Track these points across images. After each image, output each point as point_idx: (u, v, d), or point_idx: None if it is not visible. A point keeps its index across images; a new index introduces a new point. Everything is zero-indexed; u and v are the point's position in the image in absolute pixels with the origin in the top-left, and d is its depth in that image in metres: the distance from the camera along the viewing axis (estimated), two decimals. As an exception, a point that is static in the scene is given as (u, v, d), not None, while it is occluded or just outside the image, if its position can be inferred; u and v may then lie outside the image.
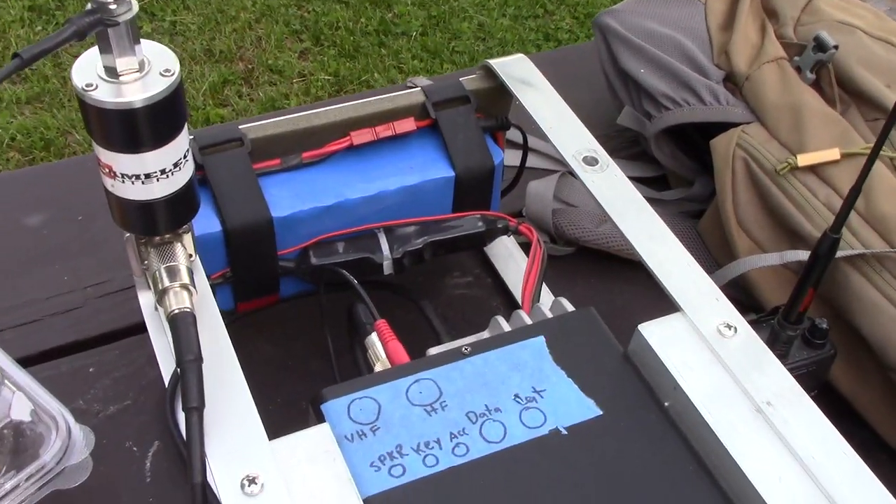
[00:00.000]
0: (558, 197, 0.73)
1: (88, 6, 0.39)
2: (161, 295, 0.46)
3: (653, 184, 0.79)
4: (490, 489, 0.44)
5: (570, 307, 0.53)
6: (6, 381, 0.53)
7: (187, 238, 0.49)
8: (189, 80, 1.86)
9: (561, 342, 0.50)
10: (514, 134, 0.68)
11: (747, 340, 0.49)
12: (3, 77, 0.35)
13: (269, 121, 0.59)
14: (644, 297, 0.54)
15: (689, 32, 0.75)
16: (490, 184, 0.63)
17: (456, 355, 0.49)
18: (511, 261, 0.70)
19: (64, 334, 0.65)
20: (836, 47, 0.67)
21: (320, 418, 0.46)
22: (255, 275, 0.59)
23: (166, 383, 0.56)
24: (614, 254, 0.71)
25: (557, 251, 0.72)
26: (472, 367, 0.49)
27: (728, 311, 0.50)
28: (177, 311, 0.45)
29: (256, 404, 0.45)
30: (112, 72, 0.41)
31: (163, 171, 0.44)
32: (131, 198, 0.45)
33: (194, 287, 0.47)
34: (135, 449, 0.59)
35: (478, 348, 0.50)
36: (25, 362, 0.55)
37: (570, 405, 0.47)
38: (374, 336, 0.53)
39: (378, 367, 0.51)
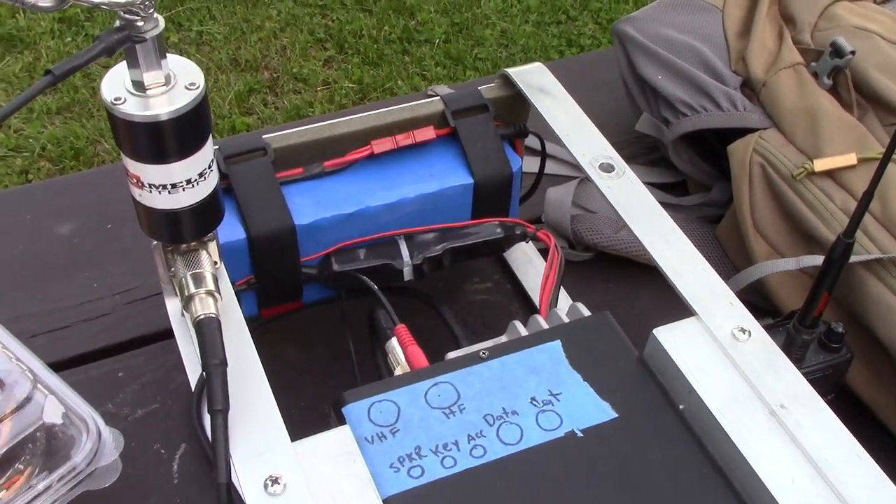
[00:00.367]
0: (577, 203, 0.74)
1: (117, 23, 0.41)
2: (187, 301, 0.48)
3: (672, 189, 0.80)
4: (507, 490, 0.45)
5: (586, 312, 0.54)
6: (38, 385, 0.55)
7: (212, 246, 0.50)
8: (215, 88, 1.88)
9: (577, 346, 0.51)
10: (534, 141, 0.69)
11: (761, 344, 0.50)
12: (36, 93, 0.37)
13: (291, 130, 0.61)
14: (662, 302, 0.55)
15: (706, 39, 0.75)
16: (508, 191, 0.64)
17: (474, 359, 0.50)
18: (530, 266, 0.71)
19: (94, 340, 0.67)
20: (853, 53, 0.68)
21: (341, 420, 0.47)
22: (278, 281, 0.60)
23: (193, 387, 0.58)
24: (633, 259, 0.72)
25: (576, 257, 0.73)
26: (490, 371, 0.50)
27: (742, 315, 0.51)
28: (202, 317, 0.47)
29: (281, 407, 0.47)
30: (139, 86, 0.43)
31: (188, 181, 0.46)
32: (158, 207, 0.46)
33: (219, 293, 0.49)
34: (162, 451, 0.61)
35: (495, 352, 0.51)
36: (57, 367, 0.57)
37: (585, 408, 0.48)
38: (394, 341, 0.54)
39: (398, 371, 0.53)
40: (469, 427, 0.47)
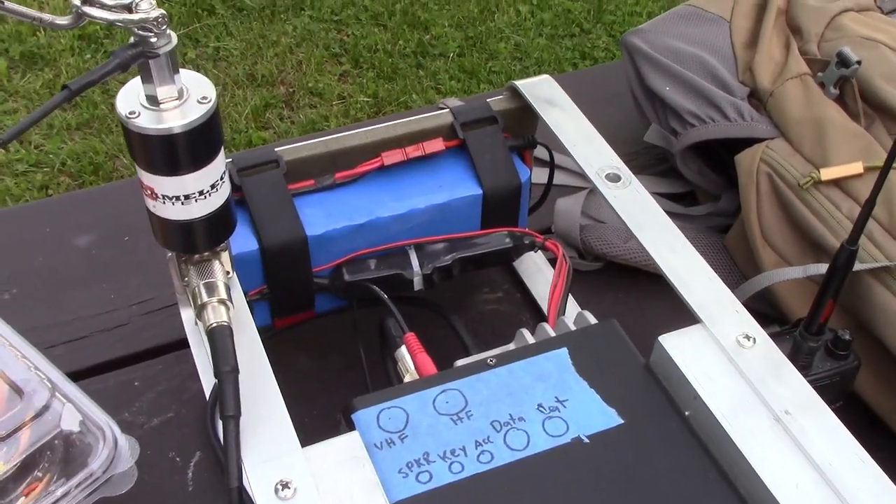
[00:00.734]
0: (586, 213, 0.75)
1: (131, 40, 0.42)
2: (200, 309, 0.49)
3: (681, 200, 0.81)
4: (514, 495, 0.45)
5: (593, 320, 0.55)
6: (57, 394, 0.56)
7: (225, 256, 0.52)
8: (232, 103, 1.91)
9: (584, 353, 0.52)
10: (543, 152, 0.70)
11: (766, 351, 0.50)
12: (53, 107, 0.38)
13: (303, 143, 0.62)
14: (671, 312, 0.55)
15: (713, 50, 0.76)
16: (517, 201, 0.65)
17: (481, 366, 0.51)
18: (540, 276, 0.72)
19: (111, 350, 0.68)
20: (859, 62, 0.68)
21: (351, 427, 0.48)
22: (290, 291, 0.61)
23: (207, 396, 0.59)
24: (641, 269, 0.72)
25: (585, 266, 0.74)
26: (497, 378, 0.50)
27: (747, 323, 0.52)
28: (214, 325, 0.48)
29: (294, 415, 0.47)
30: (153, 100, 0.44)
31: (201, 193, 0.47)
32: (172, 218, 0.47)
33: (231, 302, 0.50)
34: (177, 459, 0.62)
35: (503, 360, 0.51)
36: (74, 376, 0.58)
37: (592, 414, 0.49)
38: (403, 349, 0.55)
39: (407, 379, 0.53)
40: (476, 433, 0.48)
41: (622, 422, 0.49)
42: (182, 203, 0.47)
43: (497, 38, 2.12)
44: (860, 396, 0.64)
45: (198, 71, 0.47)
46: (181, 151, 0.45)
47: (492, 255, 0.64)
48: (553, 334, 0.54)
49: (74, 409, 0.56)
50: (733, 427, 0.47)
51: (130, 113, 0.44)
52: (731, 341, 0.51)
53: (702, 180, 0.77)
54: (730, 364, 0.50)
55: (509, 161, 0.65)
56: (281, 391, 0.48)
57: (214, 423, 0.60)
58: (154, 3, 0.42)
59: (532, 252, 0.71)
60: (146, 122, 0.44)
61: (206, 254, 0.51)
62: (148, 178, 0.46)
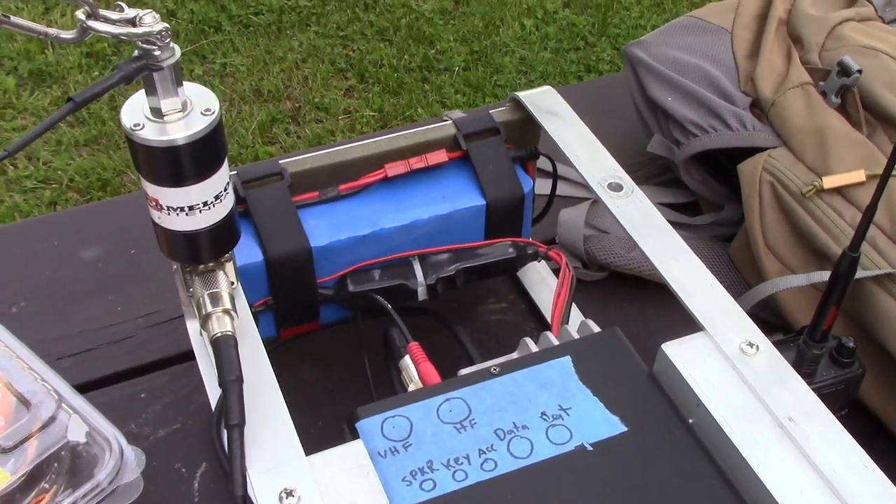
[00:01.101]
0: (590, 223, 0.75)
1: (135, 53, 0.43)
2: (204, 320, 0.49)
3: (685, 209, 0.81)
4: (518, 503, 0.46)
5: (596, 328, 0.55)
6: (63, 405, 0.56)
7: (229, 266, 0.52)
8: (239, 119, 1.92)
9: (587, 362, 0.52)
10: (547, 163, 0.70)
11: (769, 358, 0.50)
12: (58, 119, 0.39)
13: (307, 155, 0.62)
14: (675, 321, 0.55)
15: (715, 61, 0.76)
16: (520, 211, 0.66)
17: (485, 375, 0.51)
18: (544, 286, 0.72)
19: (117, 362, 0.69)
20: (859, 71, 0.69)
21: (355, 435, 0.48)
22: (295, 302, 0.62)
23: (213, 408, 0.59)
24: (646, 278, 0.73)
25: (590, 276, 0.74)
26: (501, 387, 0.51)
27: (750, 330, 0.52)
28: (219, 335, 0.48)
29: (299, 425, 0.48)
30: (157, 112, 0.45)
31: (205, 204, 0.47)
32: (176, 229, 0.48)
33: (236, 312, 0.50)
34: (183, 470, 0.62)
35: (506, 368, 0.52)
36: (81, 388, 0.59)
37: (595, 422, 0.49)
38: (407, 358, 0.55)
39: (411, 388, 0.54)
40: (480, 441, 0.48)
41: (626, 429, 0.49)
42: (186, 214, 0.47)
43: (502, 52, 2.13)
44: (865, 404, 0.63)
45: (205, 87, 0.47)
46: (185, 163, 0.45)
47: (495, 265, 0.64)
48: (556, 343, 0.54)
49: (81, 421, 0.56)
50: (737, 434, 0.47)
51: (135, 125, 0.44)
52: (734, 349, 0.51)
53: (705, 190, 0.77)
54: (733, 371, 0.50)
55: (512, 172, 0.65)
56: (285, 401, 0.49)
57: (221, 435, 0.60)
58: (158, 17, 0.42)
59: (536, 262, 0.71)
60: (150, 134, 0.44)
61: (211, 264, 0.51)
62: (153, 190, 0.46)
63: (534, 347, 0.54)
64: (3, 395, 0.57)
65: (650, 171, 0.85)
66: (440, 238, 0.64)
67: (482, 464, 0.47)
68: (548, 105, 0.66)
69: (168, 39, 0.42)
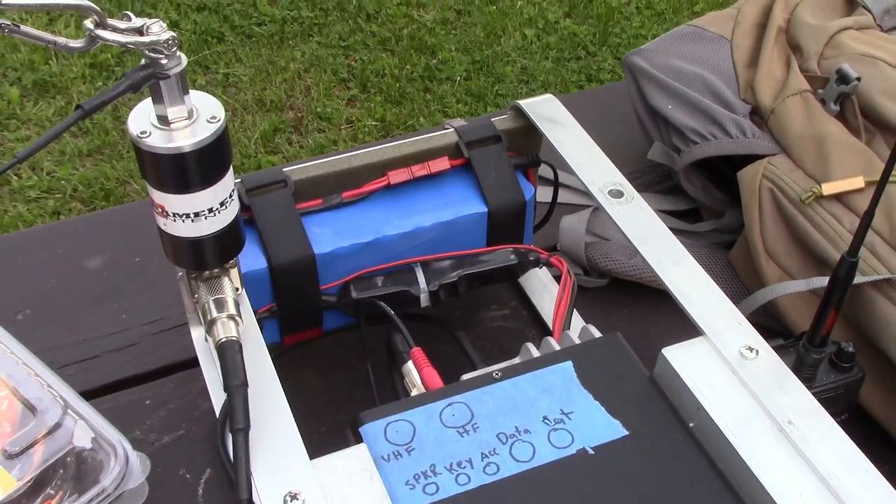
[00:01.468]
0: (591, 231, 0.75)
1: (142, 61, 0.43)
2: (210, 325, 0.50)
3: (686, 217, 0.81)
4: (520, 506, 0.46)
5: (597, 333, 0.55)
6: (69, 411, 0.57)
7: (234, 272, 0.52)
8: (242, 129, 1.93)
9: (588, 366, 0.52)
10: (549, 172, 0.70)
11: (769, 362, 0.51)
12: (67, 126, 0.39)
13: (310, 163, 0.63)
14: (676, 327, 0.56)
15: (715, 69, 0.77)
16: (522, 218, 0.66)
17: (487, 380, 0.52)
18: (546, 293, 0.73)
19: (122, 369, 0.69)
20: (858, 79, 0.69)
21: (359, 440, 0.49)
22: (299, 309, 0.62)
23: (217, 414, 0.60)
24: (647, 285, 0.73)
25: (591, 283, 0.75)
26: (503, 391, 0.51)
27: (750, 335, 0.52)
28: (224, 340, 0.48)
29: (303, 431, 0.48)
30: (164, 120, 0.45)
31: (210, 210, 0.48)
32: (182, 235, 0.48)
33: (240, 317, 0.51)
34: (188, 476, 0.62)
35: (508, 373, 0.52)
36: (87, 395, 0.59)
37: (596, 426, 0.49)
38: (410, 363, 0.55)
39: (414, 393, 0.54)
40: (483, 445, 0.48)
41: (627, 433, 0.49)
42: (192, 220, 0.48)
43: (504, 62, 2.14)
44: (865, 409, 0.64)
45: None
46: (191, 170, 0.46)
47: (497, 272, 0.65)
48: (558, 348, 0.55)
49: (87, 427, 0.57)
50: (737, 437, 0.48)
51: (142, 133, 0.45)
52: (734, 353, 0.51)
53: (705, 197, 0.78)
54: (733, 375, 0.50)
55: (514, 179, 0.66)
56: (290, 407, 0.49)
57: (225, 441, 0.61)
58: (164, 26, 0.43)
59: (538, 269, 0.72)
60: (157, 141, 0.45)
61: (216, 270, 0.52)
62: (159, 196, 0.47)
63: (535, 353, 0.55)
64: (9, 402, 0.58)
65: (651, 179, 0.85)
66: (442, 245, 0.64)
67: (485, 467, 0.47)
68: (549, 113, 0.67)
69: (175, 48, 0.43)
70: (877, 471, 0.46)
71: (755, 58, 0.77)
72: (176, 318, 0.72)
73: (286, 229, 0.60)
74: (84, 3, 0.40)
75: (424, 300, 0.63)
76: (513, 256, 0.65)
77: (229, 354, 0.48)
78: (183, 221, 0.48)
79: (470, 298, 0.73)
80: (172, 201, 0.47)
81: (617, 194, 0.61)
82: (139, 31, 0.42)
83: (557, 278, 0.73)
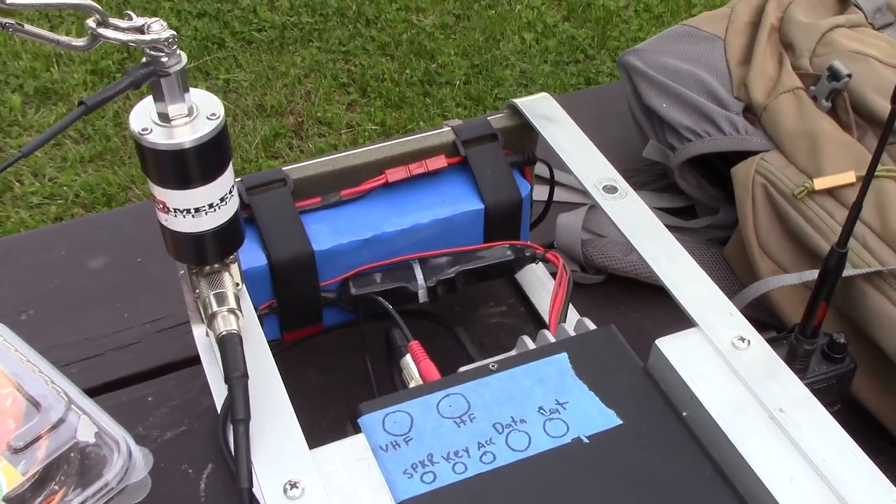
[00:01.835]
0: (587, 228, 0.76)
1: (143, 59, 0.44)
2: (210, 319, 0.51)
3: (681, 214, 0.82)
4: (515, 494, 0.47)
5: (592, 326, 0.56)
6: (72, 407, 0.58)
7: (234, 268, 0.53)
8: (242, 134, 1.94)
9: (583, 358, 0.53)
10: (546, 171, 0.71)
11: (760, 352, 0.52)
12: (70, 122, 0.40)
13: (309, 162, 0.64)
14: (671, 321, 0.56)
15: (709, 68, 0.78)
16: (518, 215, 0.67)
17: (484, 371, 0.52)
18: (543, 290, 0.74)
19: (125, 367, 0.70)
20: (849, 76, 0.70)
21: (357, 430, 0.49)
22: (299, 305, 0.63)
23: (219, 410, 0.61)
24: (643, 281, 0.74)
25: (587, 280, 0.75)
26: (499, 383, 0.52)
27: (742, 325, 0.53)
28: (224, 333, 0.49)
29: (303, 426, 0.49)
30: (164, 117, 0.46)
31: (211, 206, 0.49)
32: (183, 230, 0.49)
33: (240, 311, 0.51)
34: (190, 471, 0.63)
35: (504, 365, 0.53)
36: (90, 393, 0.60)
37: (591, 416, 0.50)
38: (408, 357, 0.56)
39: (412, 385, 0.55)
40: (479, 435, 0.49)
41: (621, 422, 0.50)
42: (192, 216, 0.49)
43: (503, 66, 2.16)
44: (859, 401, 0.65)
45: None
46: (191, 166, 0.47)
47: (494, 268, 0.66)
48: (553, 340, 0.55)
49: (90, 421, 0.57)
50: (729, 426, 0.49)
51: (143, 129, 0.46)
52: (726, 343, 0.52)
53: (700, 194, 0.79)
54: (725, 365, 0.51)
55: (510, 176, 0.66)
56: (290, 402, 0.50)
57: (226, 437, 0.61)
58: (165, 24, 0.44)
59: (536, 266, 0.73)
60: (158, 138, 0.46)
61: (217, 266, 0.52)
62: (160, 192, 0.48)
63: (531, 345, 0.56)
64: (13, 399, 0.59)
65: (647, 177, 0.86)
66: (440, 241, 0.65)
67: (481, 456, 0.48)
68: (544, 111, 0.67)
69: (175, 46, 0.44)
70: (866, 457, 0.47)
71: (748, 56, 0.78)
72: (177, 316, 0.73)
73: (286, 227, 0.61)
74: (86, 3, 0.41)
75: (422, 296, 0.64)
76: (509, 252, 0.66)
77: (230, 347, 0.49)
78: (184, 217, 0.49)
79: (468, 295, 0.74)
80: (173, 197, 0.48)
81: (611, 190, 0.62)
82: (140, 30, 0.43)
83: (555, 275, 0.74)
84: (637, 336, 0.57)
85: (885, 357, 0.62)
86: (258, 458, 0.46)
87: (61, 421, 0.57)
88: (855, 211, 0.51)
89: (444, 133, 0.67)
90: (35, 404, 0.58)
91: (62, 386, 0.59)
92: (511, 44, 2.21)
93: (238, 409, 0.46)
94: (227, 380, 0.48)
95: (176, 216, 0.49)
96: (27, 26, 0.40)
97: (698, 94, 0.76)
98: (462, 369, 0.54)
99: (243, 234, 0.53)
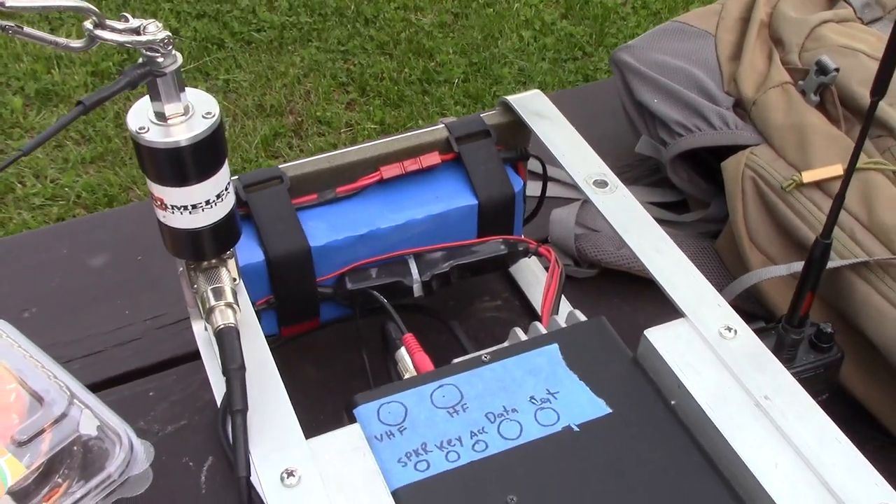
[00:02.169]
0: (580, 223, 0.77)
1: (139, 60, 0.46)
2: (208, 313, 0.52)
3: (674, 208, 0.83)
4: (507, 481, 0.48)
5: (583, 318, 0.57)
6: (75, 401, 0.59)
7: (231, 263, 0.55)
8: (242, 134, 1.95)
9: (574, 349, 0.54)
10: (539, 166, 0.72)
11: (747, 341, 0.53)
12: (69, 121, 0.41)
13: (305, 160, 0.65)
14: (663, 313, 0.57)
15: (700, 63, 0.79)
16: (511, 210, 0.68)
17: (476, 363, 0.54)
18: (537, 284, 0.75)
19: (126, 363, 0.71)
20: (836, 70, 0.71)
21: (353, 421, 0.51)
22: (296, 300, 0.64)
23: (218, 404, 0.62)
24: (635, 274, 0.75)
25: (581, 273, 0.77)
26: (492, 373, 0.53)
27: (729, 315, 0.54)
28: (222, 326, 0.51)
29: (301, 420, 0.50)
30: (161, 116, 0.47)
31: (207, 202, 0.50)
32: (180, 226, 0.51)
33: (238, 305, 0.53)
34: (191, 464, 0.64)
35: (496, 356, 0.54)
36: (92, 388, 0.61)
37: (581, 405, 0.51)
38: (402, 349, 0.57)
39: (407, 377, 0.56)
40: (472, 424, 0.50)
41: (610, 411, 0.51)
42: (190, 212, 0.50)
43: (501, 64, 2.17)
44: (847, 390, 0.66)
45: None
46: (188, 163, 0.48)
47: (488, 262, 0.67)
48: (545, 332, 0.57)
49: (92, 416, 0.59)
50: (716, 413, 0.50)
51: (140, 128, 0.47)
52: (713, 333, 0.53)
53: (692, 188, 0.80)
54: (712, 354, 0.52)
55: (503, 172, 0.68)
56: (288, 396, 0.51)
57: (225, 429, 0.63)
58: (160, 26, 0.45)
59: (529, 262, 0.74)
60: (155, 136, 0.47)
61: (214, 261, 0.54)
62: (158, 190, 0.49)
63: (523, 337, 0.57)
64: (17, 394, 0.60)
65: (640, 172, 0.87)
66: (434, 237, 0.66)
67: (473, 445, 0.49)
68: (536, 108, 0.69)
69: (170, 47, 0.45)
70: (850, 442, 0.48)
71: (738, 52, 0.79)
72: (177, 313, 0.74)
73: (282, 223, 0.63)
74: (84, 5, 0.42)
75: (417, 290, 0.65)
76: (502, 247, 0.67)
77: (227, 340, 0.50)
78: (181, 213, 0.50)
79: (463, 289, 0.75)
80: (171, 194, 0.49)
81: (601, 184, 0.63)
82: (136, 31, 0.44)
83: (548, 269, 0.75)
84: (630, 329, 0.58)
85: (873, 347, 0.63)
86: (256, 448, 0.47)
87: (64, 415, 0.58)
88: (838, 202, 0.52)
89: (437, 130, 0.68)
90: (38, 399, 0.59)
91: (64, 381, 0.60)
92: (509, 42, 2.22)
93: (235, 400, 0.48)
94: (224, 372, 0.49)
95: (173, 213, 0.50)
96: (27, 28, 0.41)
97: (689, 90, 0.77)
98: (455, 361, 0.55)
99: (240, 230, 0.54)
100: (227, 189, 0.51)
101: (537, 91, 0.71)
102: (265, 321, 0.65)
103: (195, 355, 0.66)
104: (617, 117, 0.90)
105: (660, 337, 0.53)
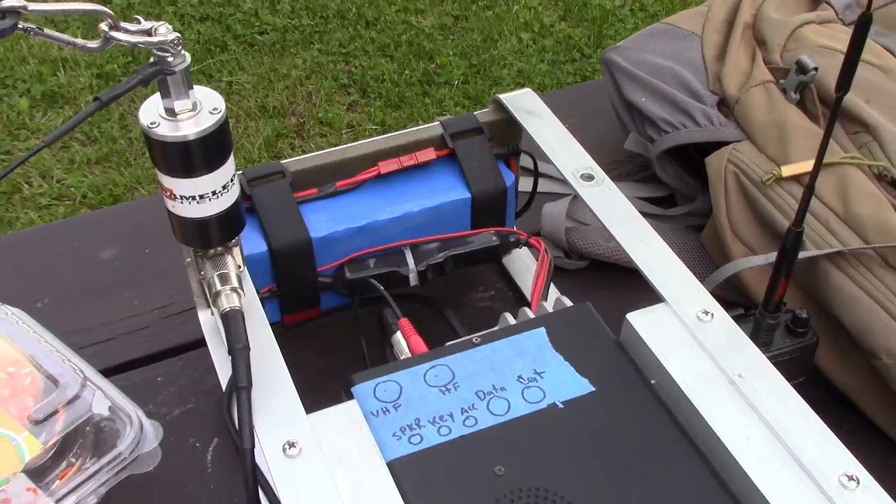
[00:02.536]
0: (571, 216, 0.80)
1: (151, 59, 0.49)
2: (215, 297, 0.55)
3: (662, 203, 0.86)
4: (496, 454, 0.51)
5: (569, 303, 0.60)
6: (88, 383, 0.62)
7: (236, 251, 0.58)
8: (245, 135, 1.98)
9: (560, 332, 0.57)
10: (531, 164, 0.76)
11: (723, 324, 0.56)
12: (86, 116, 0.44)
13: (306, 156, 0.68)
14: (647, 301, 0.60)
15: (686, 63, 0.82)
16: (503, 204, 0.71)
17: (467, 345, 0.57)
18: (529, 275, 0.78)
19: (135, 350, 0.75)
20: (816, 69, 0.74)
21: (351, 398, 0.54)
22: (297, 289, 0.67)
23: (223, 388, 0.65)
24: (623, 266, 0.78)
25: (571, 265, 0.80)
26: (482, 354, 0.56)
27: (706, 301, 0.57)
28: (228, 309, 0.54)
29: (303, 403, 0.53)
30: (171, 112, 0.51)
31: (214, 193, 0.53)
32: (189, 216, 0.54)
33: (242, 290, 0.56)
34: (197, 445, 0.68)
35: (486, 339, 0.57)
36: (103, 374, 0.64)
37: (566, 383, 0.54)
38: (398, 334, 0.61)
39: (402, 359, 0.59)
40: (462, 401, 0.53)
41: (594, 389, 0.54)
42: (197, 202, 0.53)
43: (500, 65, 2.20)
44: (823, 373, 0.69)
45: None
46: (196, 156, 0.51)
47: (481, 253, 0.70)
48: (533, 317, 0.60)
49: (104, 397, 0.62)
50: (693, 391, 0.53)
51: (151, 123, 0.50)
52: (691, 317, 0.56)
53: (678, 183, 0.83)
54: (690, 337, 0.55)
55: (495, 167, 0.71)
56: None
57: (230, 412, 0.66)
58: (170, 27, 0.48)
59: (522, 254, 0.77)
60: (165, 131, 0.50)
61: (220, 248, 0.57)
62: (167, 181, 0.52)
63: (512, 321, 0.60)
64: (32, 378, 0.63)
65: (630, 168, 0.90)
66: (430, 228, 0.69)
67: (464, 420, 0.52)
68: (527, 105, 0.72)
69: (180, 47, 0.48)
70: (818, 417, 0.51)
71: (723, 52, 0.82)
72: (184, 303, 0.77)
73: (284, 216, 0.66)
74: (99, 8, 0.45)
75: (413, 279, 0.68)
76: (495, 238, 0.70)
77: (232, 321, 0.53)
78: (189, 203, 0.53)
79: (458, 280, 0.78)
80: (180, 185, 0.52)
81: (588, 178, 0.66)
82: (148, 33, 0.48)
83: (539, 260, 0.78)
84: (616, 316, 0.61)
85: (847, 332, 0.66)
86: (259, 422, 0.50)
87: (77, 396, 0.61)
88: (808, 192, 0.55)
89: (433, 127, 0.71)
90: (53, 381, 0.62)
91: (78, 364, 0.63)
92: (508, 44, 2.25)
93: (241, 378, 0.51)
94: (230, 351, 0.52)
95: (182, 203, 0.53)
96: (46, 30, 0.45)
97: (676, 89, 0.80)
98: (448, 344, 0.59)
99: (244, 219, 0.58)
100: (232, 180, 0.54)
101: (528, 90, 0.74)
102: (268, 309, 0.68)
103: (201, 343, 0.69)
104: (607, 116, 0.94)
105: (641, 320, 0.56)
